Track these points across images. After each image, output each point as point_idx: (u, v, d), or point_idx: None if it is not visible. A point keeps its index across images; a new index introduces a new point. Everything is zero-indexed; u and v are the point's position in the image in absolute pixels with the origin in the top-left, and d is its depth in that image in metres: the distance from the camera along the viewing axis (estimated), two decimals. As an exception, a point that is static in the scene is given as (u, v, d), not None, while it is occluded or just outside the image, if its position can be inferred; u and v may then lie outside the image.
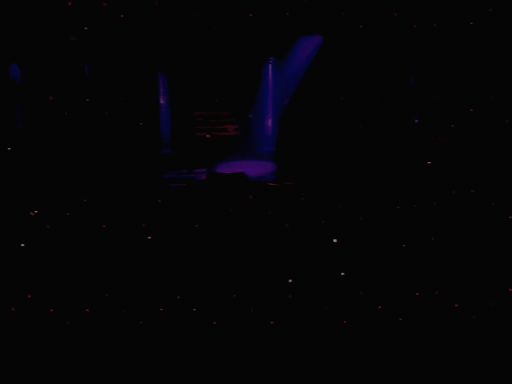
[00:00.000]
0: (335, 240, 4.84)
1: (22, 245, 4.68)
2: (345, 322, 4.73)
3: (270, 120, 5.17)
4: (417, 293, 4.79)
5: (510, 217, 4.86)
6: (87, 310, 4.64)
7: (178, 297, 4.70)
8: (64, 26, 4.79)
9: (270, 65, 5.19)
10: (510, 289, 4.79)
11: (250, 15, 4.82)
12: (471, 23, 4.85)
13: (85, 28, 4.73)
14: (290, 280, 4.77)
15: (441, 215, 4.89)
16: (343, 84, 5.00)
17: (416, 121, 4.94)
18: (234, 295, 4.74)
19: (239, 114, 5.20)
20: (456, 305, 4.76)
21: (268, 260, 4.85)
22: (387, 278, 4.85)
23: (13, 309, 4.58)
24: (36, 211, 4.70)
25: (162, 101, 5.09)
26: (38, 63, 4.88)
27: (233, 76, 5.16)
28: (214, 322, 4.69)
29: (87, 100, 4.86)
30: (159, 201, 4.82)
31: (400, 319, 4.75)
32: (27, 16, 4.77)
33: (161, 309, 4.70)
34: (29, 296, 4.61)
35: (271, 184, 5.05)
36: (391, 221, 4.89)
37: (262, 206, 4.86)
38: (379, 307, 4.76)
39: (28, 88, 4.90)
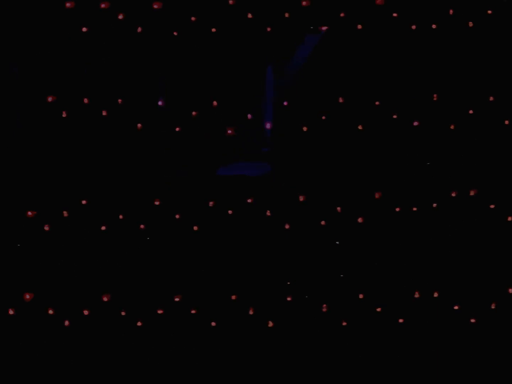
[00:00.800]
0: (337, 242, 4.85)
1: (18, 245, 4.68)
2: (344, 324, 4.73)
3: (269, 121, 5.16)
4: (416, 295, 4.79)
5: (510, 218, 4.85)
6: (86, 312, 4.65)
7: (177, 298, 4.70)
8: (64, 27, 4.79)
9: (269, 66, 5.18)
10: (510, 290, 4.79)
11: (250, 16, 4.82)
12: (471, 24, 4.85)
13: (84, 29, 4.73)
14: (288, 283, 4.77)
15: (440, 216, 4.89)
16: (342, 85, 4.99)
17: (416, 123, 4.94)
18: (233, 297, 4.74)
19: (238, 115, 5.19)
20: (456, 307, 4.77)
21: (268, 261, 4.85)
22: (387, 279, 4.84)
23: (11, 311, 4.59)
24: (35, 212, 4.70)
25: (161, 102, 5.09)
26: (38, 63, 4.88)
27: (232, 77, 5.15)
28: (213, 324, 4.69)
29: (86, 101, 4.85)
30: (158, 202, 4.81)
31: (400, 320, 4.75)
32: (27, 16, 4.77)
33: (159, 311, 4.70)
34: (27, 297, 4.60)
35: (270, 184, 5.05)
36: (390, 222, 4.89)
37: (261, 206, 4.86)
38: (379, 309, 4.76)
39: (27, 88, 4.89)
